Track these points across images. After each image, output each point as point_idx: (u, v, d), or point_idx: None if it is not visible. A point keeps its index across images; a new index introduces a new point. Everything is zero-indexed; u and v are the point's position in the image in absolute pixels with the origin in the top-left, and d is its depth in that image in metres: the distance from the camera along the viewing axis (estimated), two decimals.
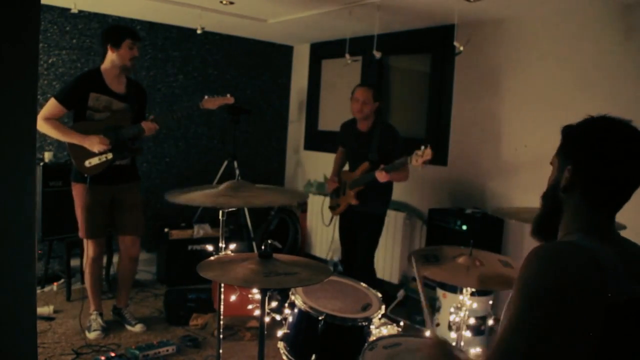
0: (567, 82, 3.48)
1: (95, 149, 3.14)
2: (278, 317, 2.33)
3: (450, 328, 2.49)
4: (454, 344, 2.15)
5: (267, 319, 1.93)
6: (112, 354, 3.04)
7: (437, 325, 3.53)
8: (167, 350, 3.16)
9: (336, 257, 4.77)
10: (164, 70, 5.03)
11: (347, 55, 4.02)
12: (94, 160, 3.19)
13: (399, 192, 4.37)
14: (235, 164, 4.74)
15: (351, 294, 2.42)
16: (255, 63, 5.64)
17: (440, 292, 3.52)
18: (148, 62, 4.93)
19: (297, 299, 2.24)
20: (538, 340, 1.04)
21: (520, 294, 1.09)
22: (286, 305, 2.33)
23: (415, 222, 4.46)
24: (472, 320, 2.51)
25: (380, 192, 3.58)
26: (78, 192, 3.25)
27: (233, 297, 3.14)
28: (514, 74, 3.80)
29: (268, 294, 1.92)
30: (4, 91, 0.99)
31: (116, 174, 3.29)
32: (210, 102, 3.31)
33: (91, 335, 3.33)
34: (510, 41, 3.83)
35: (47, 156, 4.10)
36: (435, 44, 4.35)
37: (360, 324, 2.17)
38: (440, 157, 4.26)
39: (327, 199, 3.94)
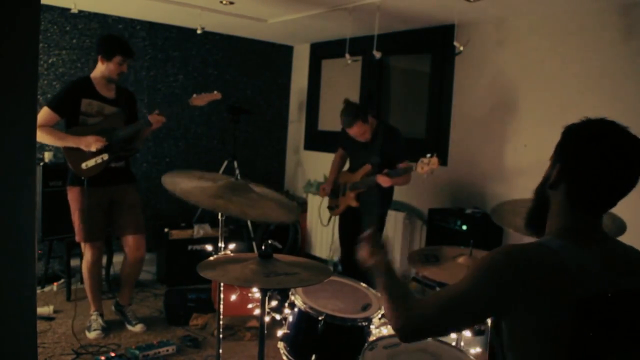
0: (567, 82, 3.48)
1: (93, 147, 3.17)
2: (278, 317, 2.33)
3: None
4: (453, 344, 2.15)
5: (267, 319, 1.93)
6: (112, 354, 3.04)
7: None
8: (167, 350, 3.16)
9: (336, 257, 4.76)
10: (164, 70, 5.03)
11: (347, 55, 4.02)
12: (91, 162, 3.21)
13: (399, 192, 4.36)
14: (235, 164, 4.74)
15: (351, 294, 2.42)
16: (255, 63, 5.64)
17: None
18: (148, 62, 4.93)
19: (297, 299, 2.24)
20: (472, 298, 1.17)
21: (472, 269, 1.20)
22: (286, 305, 2.33)
23: (415, 222, 4.46)
24: None
25: (381, 196, 3.57)
26: (74, 195, 3.27)
27: (233, 297, 3.15)
28: (514, 74, 3.80)
29: (268, 294, 1.92)
30: (4, 91, 0.99)
31: (112, 176, 3.33)
32: (199, 99, 3.36)
33: (91, 335, 3.33)
34: (510, 41, 3.83)
35: (47, 156, 4.10)
36: (435, 44, 4.34)
37: (360, 324, 2.17)
38: (440, 157, 4.25)
39: (326, 199, 3.93)
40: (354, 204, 3.55)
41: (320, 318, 2.14)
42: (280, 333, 2.27)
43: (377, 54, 3.83)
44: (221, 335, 2.50)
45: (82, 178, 3.22)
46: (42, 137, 3.15)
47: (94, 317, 3.42)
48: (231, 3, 3.92)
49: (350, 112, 3.40)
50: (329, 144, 3.91)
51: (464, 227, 3.73)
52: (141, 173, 4.95)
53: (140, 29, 4.84)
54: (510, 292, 1.13)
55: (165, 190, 2.18)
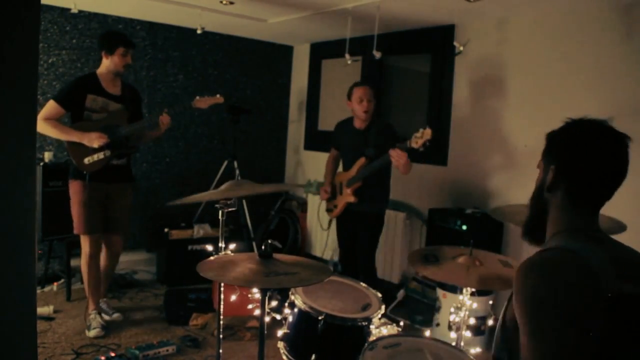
0: (567, 82, 3.48)
1: (95, 143, 3.24)
2: (278, 317, 2.33)
3: (450, 328, 2.49)
4: (453, 343, 2.15)
5: (267, 319, 1.93)
6: (112, 354, 3.04)
7: (437, 325, 3.53)
8: (167, 350, 3.16)
9: (336, 257, 4.76)
10: (164, 70, 5.03)
11: (347, 55, 4.02)
12: (93, 158, 3.30)
13: (399, 192, 4.37)
14: (235, 164, 4.74)
15: (351, 294, 2.42)
16: (255, 63, 5.64)
17: (440, 292, 3.52)
18: (148, 62, 4.93)
19: (297, 298, 2.24)
20: (564, 350, 1.07)
21: (531, 317, 1.12)
22: (286, 305, 2.33)
23: (415, 222, 4.46)
24: (472, 320, 2.51)
25: (379, 190, 3.56)
26: (75, 189, 3.33)
27: (233, 297, 3.15)
28: (514, 74, 3.80)
29: (268, 294, 1.92)
30: (4, 91, 0.99)
31: (112, 173, 3.40)
32: (202, 102, 3.47)
33: (91, 334, 3.34)
34: (510, 41, 3.83)
35: (47, 156, 4.10)
36: (435, 44, 4.34)
37: (360, 324, 2.17)
38: (440, 157, 4.27)
39: (317, 199, 3.91)
40: (352, 199, 3.53)
41: (320, 318, 2.14)
42: (280, 333, 2.27)
43: (377, 54, 3.83)
44: (221, 335, 2.50)
45: (84, 172, 3.29)
46: (46, 129, 3.23)
47: (92, 315, 3.44)
48: (231, 3, 3.92)
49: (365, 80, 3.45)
50: (329, 144, 3.91)
51: (464, 227, 3.73)
52: (141, 173, 4.95)
53: (140, 29, 4.84)
54: (573, 314, 1.09)
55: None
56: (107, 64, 3.35)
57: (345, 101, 3.58)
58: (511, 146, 3.82)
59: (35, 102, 1.08)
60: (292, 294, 2.30)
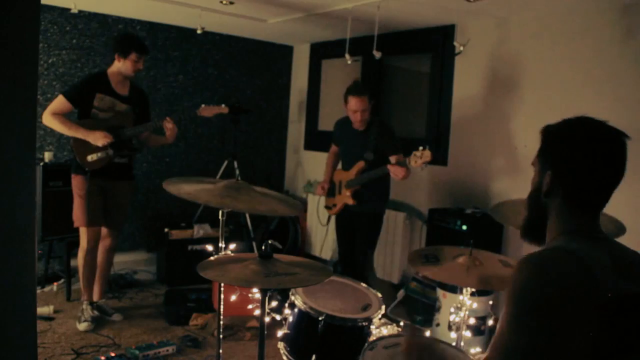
0: (567, 82, 3.48)
1: (100, 142, 3.29)
2: (278, 317, 2.33)
3: (450, 328, 2.50)
4: (453, 343, 2.15)
5: (267, 319, 1.93)
6: (112, 354, 3.04)
7: (437, 325, 3.53)
8: (167, 350, 3.16)
9: (336, 257, 4.76)
10: (164, 70, 5.03)
11: (347, 55, 4.02)
12: (96, 156, 3.34)
13: (399, 192, 4.37)
14: (235, 163, 4.74)
15: (351, 294, 2.42)
16: (255, 63, 5.63)
17: (440, 292, 3.52)
18: (148, 62, 4.90)
19: (297, 299, 2.24)
20: (532, 349, 1.07)
21: (513, 305, 1.13)
22: (286, 305, 2.33)
23: (415, 222, 4.46)
24: (472, 320, 2.51)
25: (378, 191, 3.56)
26: (77, 182, 3.39)
27: (233, 297, 3.14)
28: (514, 74, 3.80)
29: (268, 294, 1.92)
30: (4, 91, 0.99)
31: (114, 171, 3.46)
32: (207, 111, 3.54)
33: (81, 327, 3.38)
34: (510, 41, 3.83)
35: (47, 156, 4.10)
36: (435, 44, 4.34)
37: (360, 324, 2.17)
38: (440, 157, 4.26)
39: (323, 198, 3.92)
40: (350, 201, 3.54)
41: (320, 318, 2.13)
42: (280, 333, 2.27)
43: (377, 54, 3.82)
44: (221, 335, 2.50)
45: (86, 169, 3.34)
46: (53, 124, 3.28)
47: (84, 306, 3.48)
48: (231, 3, 3.92)
49: (359, 85, 3.49)
50: (329, 143, 3.91)
51: (464, 227, 3.72)
52: (141, 173, 4.95)
53: (140, 29, 4.84)
54: (558, 313, 1.08)
55: (166, 189, 2.19)
56: (118, 66, 3.40)
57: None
58: (511, 146, 3.82)
59: (35, 102, 1.08)
60: (292, 294, 2.30)
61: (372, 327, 2.20)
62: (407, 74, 5.05)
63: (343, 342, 2.17)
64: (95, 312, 3.53)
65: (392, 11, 3.79)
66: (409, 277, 4.29)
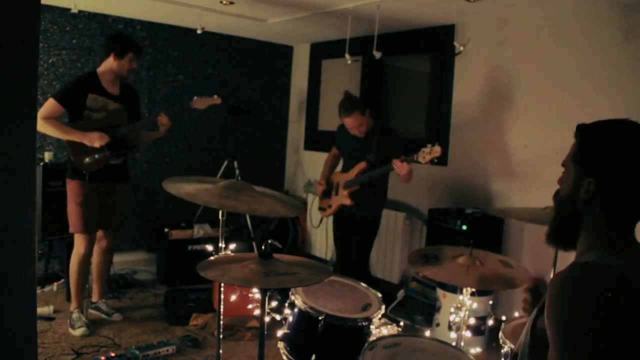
0: (567, 82, 3.48)
1: (96, 144, 3.25)
2: (278, 317, 2.33)
3: (450, 328, 2.50)
4: (453, 343, 2.15)
5: (267, 319, 1.93)
6: (112, 354, 3.04)
7: (437, 325, 3.53)
8: (167, 350, 3.16)
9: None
10: (164, 70, 5.03)
11: (347, 55, 4.02)
12: (93, 157, 3.31)
13: (399, 192, 4.37)
14: (235, 163, 4.74)
15: (351, 294, 2.43)
16: (255, 63, 5.63)
17: (440, 292, 3.52)
18: (148, 62, 4.93)
19: (297, 299, 2.24)
20: None
21: (561, 332, 1.05)
22: (286, 305, 2.33)
23: (415, 222, 4.46)
24: (472, 320, 2.51)
25: (375, 193, 3.55)
26: (73, 188, 3.34)
27: (233, 297, 3.15)
28: (514, 74, 3.80)
29: (268, 294, 1.92)
30: (4, 91, 0.99)
31: (110, 172, 3.42)
32: (200, 102, 3.50)
33: (77, 332, 3.35)
34: (510, 41, 3.83)
35: (47, 156, 4.10)
36: (435, 44, 4.34)
37: (360, 324, 2.17)
38: (440, 157, 4.25)
39: (317, 200, 3.91)
40: (348, 202, 3.52)
41: (320, 318, 2.14)
42: (280, 333, 2.27)
43: (377, 54, 3.82)
44: (221, 335, 2.50)
45: (84, 172, 3.30)
46: (46, 128, 3.23)
47: (75, 314, 3.43)
48: (231, 3, 3.92)
49: (350, 101, 3.43)
50: (329, 144, 3.91)
51: (464, 227, 3.72)
52: (141, 173, 4.95)
53: (140, 29, 4.84)
54: (615, 333, 1.02)
55: (166, 190, 2.18)
56: (112, 65, 3.36)
57: None
58: (511, 146, 3.82)
59: (35, 102, 1.08)
60: (292, 294, 2.30)
61: (372, 327, 2.20)
62: (407, 74, 5.05)
63: (343, 342, 2.17)
64: (86, 319, 3.47)
65: (392, 11, 3.79)
66: (409, 277, 4.29)
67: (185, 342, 3.33)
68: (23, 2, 0.99)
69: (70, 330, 3.38)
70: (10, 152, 1.01)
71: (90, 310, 3.68)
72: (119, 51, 3.34)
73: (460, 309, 2.29)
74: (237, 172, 4.68)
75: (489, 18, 3.89)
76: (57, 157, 4.27)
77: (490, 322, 3.25)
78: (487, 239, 3.61)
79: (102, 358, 2.96)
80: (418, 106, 4.67)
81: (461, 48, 3.52)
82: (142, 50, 3.46)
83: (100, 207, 3.47)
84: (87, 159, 3.29)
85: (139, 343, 3.26)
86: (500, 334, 2.09)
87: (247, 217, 4.80)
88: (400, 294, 4.10)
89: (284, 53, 5.87)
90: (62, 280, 4.13)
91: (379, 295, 2.40)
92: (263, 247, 1.98)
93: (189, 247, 4.49)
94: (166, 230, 4.44)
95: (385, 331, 2.26)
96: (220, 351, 2.51)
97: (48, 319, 3.55)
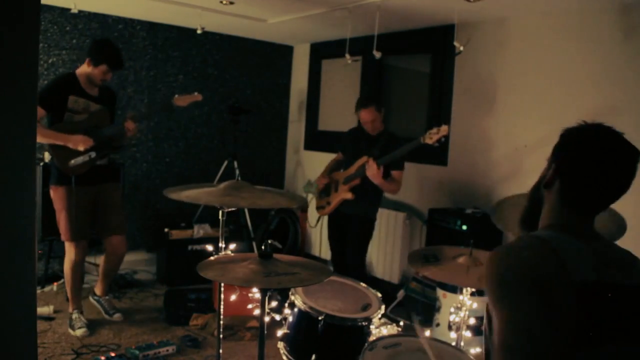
0: (567, 82, 3.48)
1: (81, 147, 3.20)
2: (278, 317, 2.33)
3: (450, 328, 2.49)
4: (453, 343, 2.15)
5: (267, 319, 1.93)
6: (112, 354, 3.04)
7: (437, 325, 3.53)
8: (167, 350, 3.16)
9: None
10: (164, 70, 5.03)
11: (347, 55, 4.02)
12: (79, 160, 3.23)
13: (399, 192, 4.36)
14: (235, 164, 4.74)
15: (351, 294, 2.43)
16: (255, 63, 5.63)
17: (440, 292, 3.52)
18: (148, 62, 4.92)
19: (297, 299, 2.24)
20: (529, 333, 1.09)
21: (494, 297, 1.16)
22: (286, 305, 2.33)
23: (415, 222, 4.46)
24: (472, 320, 2.51)
25: (373, 195, 3.59)
26: (59, 195, 3.29)
27: (233, 297, 3.15)
28: (514, 74, 3.80)
29: (268, 294, 1.92)
30: (4, 91, 0.99)
31: (97, 174, 3.37)
32: (181, 100, 3.49)
33: (77, 333, 3.35)
34: (510, 41, 3.83)
35: (47, 156, 4.10)
36: (435, 44, 4.34)
37: (360, 324, 2.17)
38: (440, 157, 4.26)
39: (314, 201, 3.93)
40: (348, 196, 3.53)
41: (320, 318, 2.14)
42: (280, 333, 2.27)
43: (377, 54, 3.83)
44: (221, 335, 2.50)
45: (70, 176, 3.24)
46: None
47: (75, 315, 3.43)
48: (231, 3, 3.92)
49: (369, 94, 3.55)
50: (329, 144, 3.92)
51: (464, 227, 3.73)
52: (141, 173, 4.95)
53: (140, 29, 4.84)
54: (536, 289, 1.11)
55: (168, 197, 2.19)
56: (87, 70, 3.29)
57: (346, 103, 3.60)
58: (511, 146, 3.82)
59: (35, 102, 1.08)
60: (292, 294, 2.30)
61: (372, 327, 2.20)
62: (407, 74, 5.05)
63: (343, 342, 2.17)
64: (85, 319, 3.46)
65: (392, 11, 3.79)
66: (409, 277, 4.29)
67: (185, 342, 3.33)
68: (23, 2, 0.99)
69: (70, 331, 3.38)
70: (10, 152, 1.01)
71: (91, 299, 3.68)
72: (95, 59, 3.25)
73: (460, 309, 2.29)
74: (237, 172, 4.68)
75: (489, 18, 3.89)
76: None
77: None
78: (487, 239, 3.61)
79: (102, 358, 2.97)
80: (418, 106, 4.67)
81: (461, 48, 3.51)
82: (121, 64, 3.35)
83: (96, 214, 3.43)
84: (71, 162, 3.21)
85: (139, 343, 3.26)
86: None
87: (247, 217, 4.80)
88: (400, 294, 4.10)
89: (284, 53, 5.87)
90: (62, 280, 4.12)
91: (379, 295, 2.40)
92: (263, 247, 1.98)
93: (189, 247, 4.49)
94: (166, 230, 4.44)
95: (385, 331, 2.26)
96: (220, 351, 2.51)
97: (48, 319, 3.55)
